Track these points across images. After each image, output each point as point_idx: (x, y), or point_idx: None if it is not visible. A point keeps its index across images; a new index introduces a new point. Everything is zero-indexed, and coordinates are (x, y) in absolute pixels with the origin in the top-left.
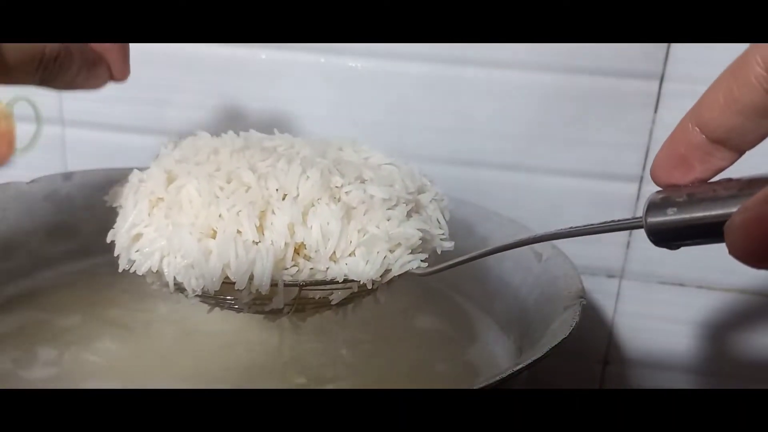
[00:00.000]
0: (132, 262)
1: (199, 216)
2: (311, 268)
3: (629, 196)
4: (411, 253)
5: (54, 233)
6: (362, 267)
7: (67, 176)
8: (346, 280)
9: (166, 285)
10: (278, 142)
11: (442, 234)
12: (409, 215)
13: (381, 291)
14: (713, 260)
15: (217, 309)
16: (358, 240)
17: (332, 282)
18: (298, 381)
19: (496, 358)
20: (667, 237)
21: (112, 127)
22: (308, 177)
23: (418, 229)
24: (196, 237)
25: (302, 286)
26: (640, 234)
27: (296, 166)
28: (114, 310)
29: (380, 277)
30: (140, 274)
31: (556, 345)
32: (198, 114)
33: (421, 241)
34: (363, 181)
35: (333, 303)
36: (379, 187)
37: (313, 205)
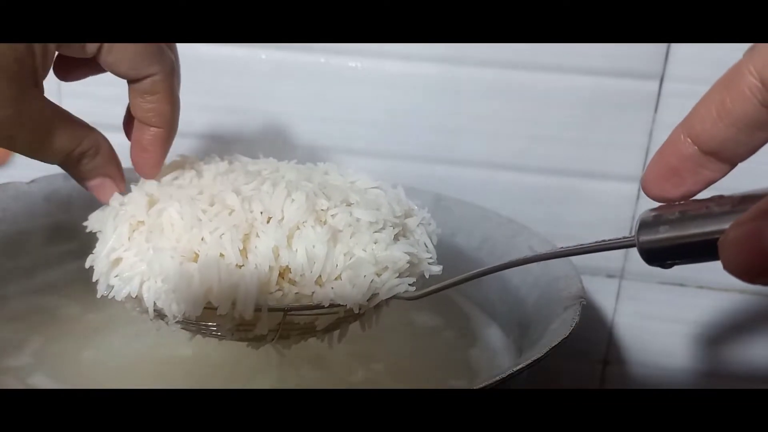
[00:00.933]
0: (111, 288)
1: (181, 239)
2: (296, 293)
3: (629, 196)
4: (398, 276)
5: (54, 233)
6: (349, 291)
7: (67, 176)
8: (332, 305)
9: (146, 311)
10: (263, 166)
11: (430, 258)
12: (396, 239)
13: (368, 316)
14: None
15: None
16: (344, 263)
17: (318, 306)
18: (299, 375)
19: (496, 358)
20: (660, 255)
21: (112, 127)
22: (293, 200)
23: (405, 253)
24: (178, 261)
25: (287, 310)
26: None
27: (281, 189)
28: (112, 309)
29: (367, 301)
30: (119, 299)
31: (556, 345)
32: (198, 114)
33: (408, 265)
34: (349, 204)
35: (318, 329)
36: (366, 210)
37: (298, 228)
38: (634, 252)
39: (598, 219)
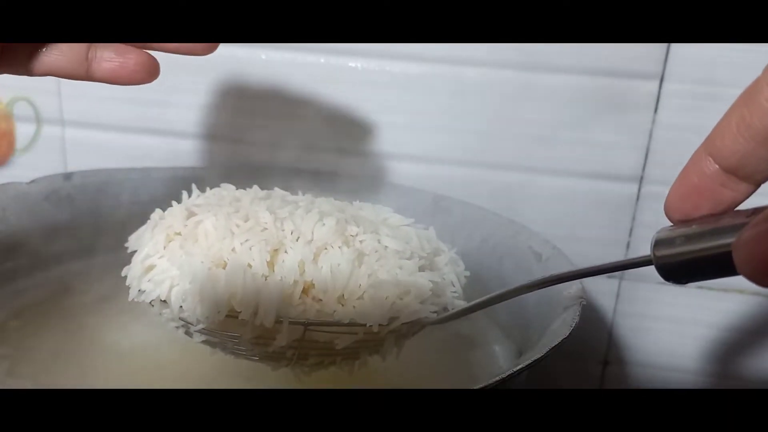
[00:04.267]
0: (142, 293)
1: (212, 248)
2: (318, 310)
3: (629, 196)
4: (421, 303)
5: (54, 233)
6: (370, 310)
7: (67, 176)
8: (352, 323)
9: (174, 317)
10: (300, 198)
11: (455, 293)
12: (422, 269)
13: (389, 347)
14: None
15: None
16: (367, 284)
17: (338, 323)
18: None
19: (496, 358)
20: (678, 270)
21: (112, 127)
22: (324, 224)
23: (429, 281)
24: (207, 266)
25: (307, 324)
26: (640, 235)
27: (313, 213)
28: (113, 310)
29: (387, 323)
30: (148, 302)
31: (556, 345)
32: (198, 114)
33: (431, 294)
34: (378, 234)
35: (338, 347)
36: (394, 240)
37: (325, 248)
38: (634, 252)
39: (597, 219)
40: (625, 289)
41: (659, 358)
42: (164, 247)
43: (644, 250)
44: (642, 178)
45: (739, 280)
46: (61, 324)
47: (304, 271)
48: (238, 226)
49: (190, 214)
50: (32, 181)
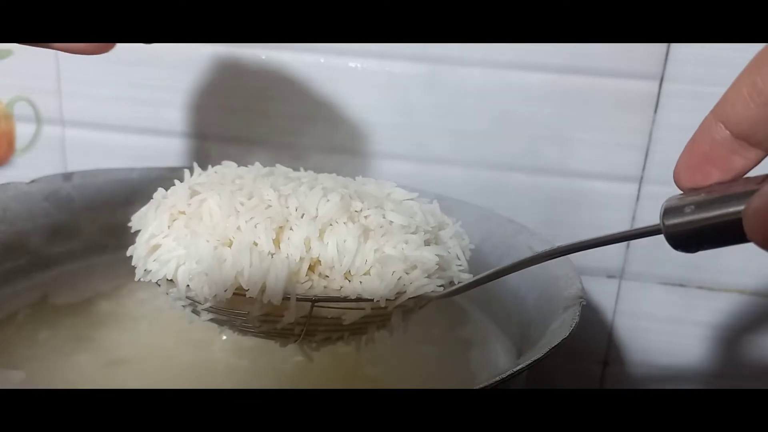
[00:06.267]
0: (148, 272)
1: (218, 227)
2: (325, 286)
3: (629, 196)
4: (427, 277)
5: (54, 233)
6: (376, 285)
7: (67, 176)
8: (359, 299)
9: (180, 296)
10: (302, 174)
11: (460, 265)
12: (427, 244)
13: (396, 322)
14: (713, 261)
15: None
16: (373, 259)
17: (345, 299)
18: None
19: (496, 358)
20: (687, 239)
21: (112, 127)
22: (328, 200)
23: (435, 255)
24: (213, 245)
25: (314, 300)
26: None
27: (318, 190)
28: (112, 310)
29: (395, 298)
30: (155, 281)
31: (556, 345)
32: (198, 114)
33: (437, 267)
34: (383, 209)
35: (345, 323)
36: (399, 215)
37: (331, 225)
38: (634, 252)
39: (597, 219)
40: (625, 289)
41: (659, 358)
42: (168, 227)
43: (644, 250)
44: (642, 178)
45: (739, 280)
46: (60, 324)
47: (310, 247)
48: (242, 204)
49: (194, 193)
50: (32, 181)
